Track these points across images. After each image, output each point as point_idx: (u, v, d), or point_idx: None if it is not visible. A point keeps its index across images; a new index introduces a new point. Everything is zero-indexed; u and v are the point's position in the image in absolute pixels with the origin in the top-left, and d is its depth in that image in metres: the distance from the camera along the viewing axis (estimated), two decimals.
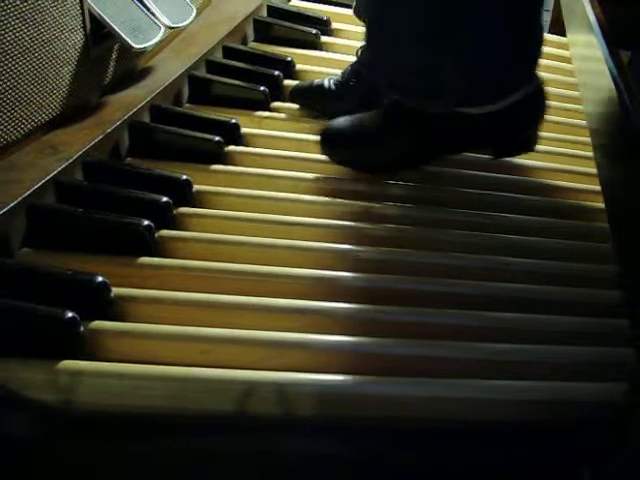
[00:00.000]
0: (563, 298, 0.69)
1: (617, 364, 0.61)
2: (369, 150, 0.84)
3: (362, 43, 0.96)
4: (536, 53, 0.84)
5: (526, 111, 0.85)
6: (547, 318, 0.66)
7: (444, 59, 0.77)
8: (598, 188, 0.87)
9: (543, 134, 1.01)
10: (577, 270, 0.74)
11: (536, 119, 0.88)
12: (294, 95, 1.00)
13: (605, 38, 1.00)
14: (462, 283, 0.69)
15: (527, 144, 0.90)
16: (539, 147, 0.98)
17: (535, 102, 0.86)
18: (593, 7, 1.11)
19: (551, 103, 1.09)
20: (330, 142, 0.86)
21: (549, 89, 1.13)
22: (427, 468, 0.56)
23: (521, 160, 0.94)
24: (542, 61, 1.21)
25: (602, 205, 0.84)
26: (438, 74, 0.78)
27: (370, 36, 0.84)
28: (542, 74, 1.16)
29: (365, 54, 0.85)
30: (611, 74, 0.88)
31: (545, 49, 1.26)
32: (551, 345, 0.63)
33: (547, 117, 1.05)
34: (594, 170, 0.92)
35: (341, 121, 0.86)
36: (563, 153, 0.98)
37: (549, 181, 0.91)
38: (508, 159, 0.94)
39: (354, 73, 0.96)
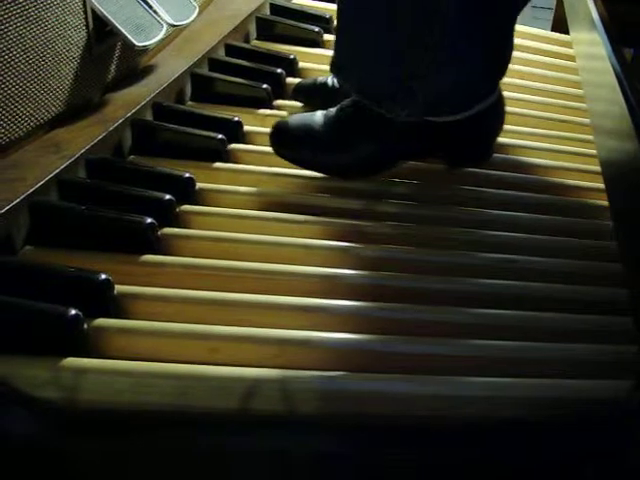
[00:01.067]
0: (568, 296, 0.69)
1: (622, 362, 0.61)
2: (324, 153, 0.82)
3: None
4: (505, 63, 0.83)
5: (487, 120, 0.85)
6: (552, 315, 0.66)
7: (419, 68, 0.76)
8: (602, 186, 0.87)
9: (548, 132, 1.01)
10: (583, 268, 0.73)
11: (496, 128, 0.88)
12: (297, 93, 1.00)
13: (608, 35, 1.00)
14: (467, 281, 0.69)
15: (483, 154, 0.89)
16: (543, 145, 0.98)
17: (496, 111, 0.86)
18: (596, 4, 1.11)
19: (555, 101, 1.10)
20: (279, 141, 0.84)
21: (553, 87, 1.13)
22: (431, 466, 0.56)
23: (525, 158, 0.94)
24: (545, 59, 1.22)
25: (606, 203, 0.84)
26: (411, 83, 0.77)
27: (341, 39, 0.82)
28: (546, 72, 1.17)
29: (335, 57, 0.83)
30: (614, 71, 0.87)
31: (548, 47, 1.27)
32: (556, 343, 0.63)
33: (551, 115, 1.05)
34: (598, 168, 0.91)
35: (294, 119, 0.84)
36: (567, 151, 0.97)
37: (553, 179, 0.91)
38: (512, 157, 0.94)
39: None
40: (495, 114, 0.86)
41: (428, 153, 0.87)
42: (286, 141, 0.84)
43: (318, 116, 0.84)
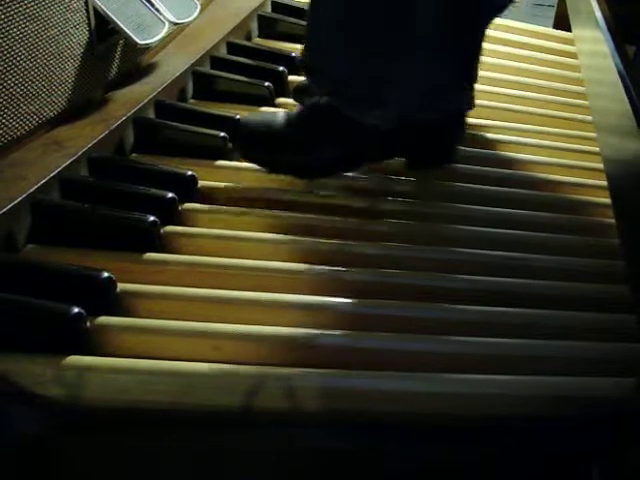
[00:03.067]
0: (571, 293, 0.69)
1: (627, 360, 0.61)
2: (286, 153, 0.81)
3: None
4: (473, 73, 0.83)
5: (453, 127, 0.85)
6: (555, 313, 0.66)
7: (394, 73, 0.76)
8: (604, 183, 0.87)
9: (550, 129, 1.01)
10: (585, 265, 0.73)
11: (460, 135, 0.88)
12: (297, 93, 1.00)
13: (611, 33, 1.00)
14: (470, 278, 0.69)
15: (446, 158, 0.88)
16: (545, 142, 0.98)
17: (461, 119, 0.86)
18: (599, 2, 1.11)
19: (557, 99, 1.09)
20: (241, 141, 0.83)
21: (555, 85, 1.13)
22: (433, 464, 0.56)
23: (527, 155, 0.94)
24: (547, 56, 1.21)
25: (608, 200, 0.84)
26: (386, 87, 0.77)
27: (312, 40, 0.81)
28: (548, 69, 1.17)
29: (306, 58, 0.82)
30: (617, 69, 0.87)
31: (550, 44, 1.27)
32: (559, 340, 0.62)
33: (553, 113, 1.05)
34: (600, 165, 0.91)
35: (255, 118, 0.83)
36: (569, 149, 0.97)
37: (555, 176, 0.91)
38: (513, 155, 0.94)
39: None
40: (458, 122, 0.86)
41: (391, 156, 0.87)
42: (251, 144, 0.83)
43: (280, 116, 0.83)
